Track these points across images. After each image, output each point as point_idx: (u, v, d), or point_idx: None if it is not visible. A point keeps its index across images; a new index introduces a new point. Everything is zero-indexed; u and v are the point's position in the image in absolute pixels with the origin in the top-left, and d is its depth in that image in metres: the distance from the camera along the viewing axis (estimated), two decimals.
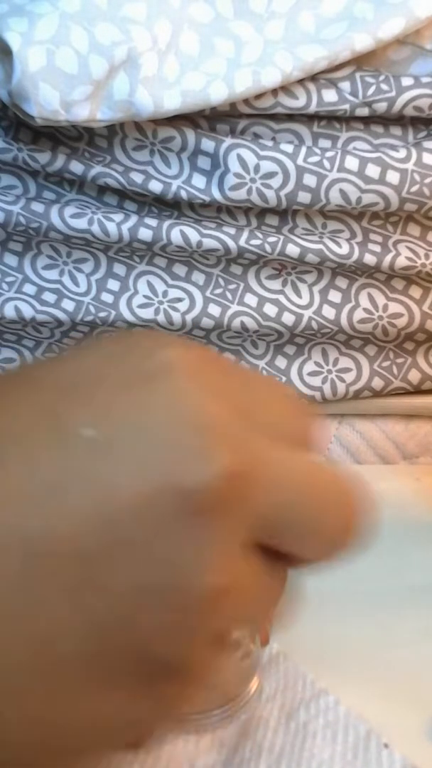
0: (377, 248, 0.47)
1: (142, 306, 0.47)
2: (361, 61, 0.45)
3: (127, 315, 0.47)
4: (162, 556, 0.25)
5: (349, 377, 0.49)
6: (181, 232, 0.45)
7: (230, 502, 0.26)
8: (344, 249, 0.46)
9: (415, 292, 0.49)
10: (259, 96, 0.44)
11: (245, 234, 0.46)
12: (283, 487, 0.27)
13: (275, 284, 0.48)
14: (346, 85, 0.44)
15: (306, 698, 0.33)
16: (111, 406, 0.26)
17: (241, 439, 0.26)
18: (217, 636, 0.27)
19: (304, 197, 0.45)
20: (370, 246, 0.47)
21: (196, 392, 0.26)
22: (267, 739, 0.32)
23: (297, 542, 0.28)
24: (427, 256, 0.47)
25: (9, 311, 0.47)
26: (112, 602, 0.25)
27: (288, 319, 0.47)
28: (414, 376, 0.50)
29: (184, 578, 0.25)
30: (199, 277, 0.47)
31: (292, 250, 0.46)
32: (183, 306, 0.47)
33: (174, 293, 0.47)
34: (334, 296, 0.48)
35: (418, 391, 0.51)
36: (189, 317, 0.47)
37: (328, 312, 0.48)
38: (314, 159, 0.44)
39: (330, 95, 0.44)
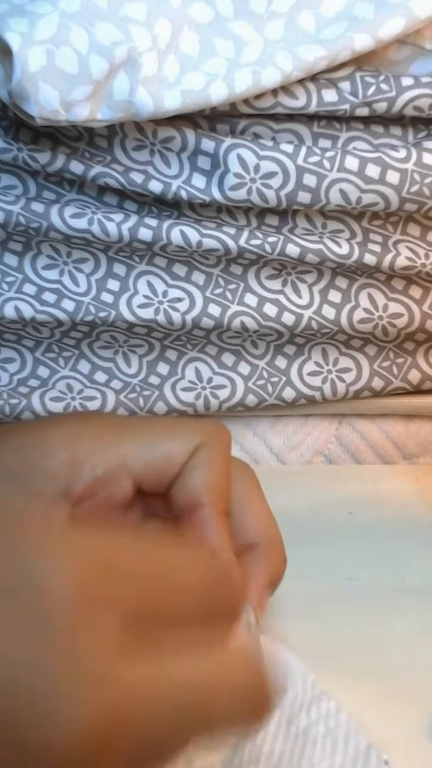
0: (377, 248, 0.47)
1: (142, 306, 0.47)
2: (361, 61, 0.45)
3: (127, 315, 0.47)
4: None
5: (349, 377, 0.49)
6: (181, 232, 0.45)
7: (86, 762, 0.24)
8: (344, 249, 0.46)
9: (415, 292, 0.49)
10: (259, 96, 0.44)
11: (245, 234, 0.46)
12: (161, 723, 0.26)
13: (275, 284, 0.48)
14: (346, 85, 0.44)
15: (306, 701, 0.33)
16: None
17: (106, 691, 0.25)
18: None
19: (304, 197, 0.45)
20: (370, 246, 0.47)
21: (65, 633, 0.25)
22: (267, 743, 0.32)
23: (186, 743, 0.28)
24: (427, 256, 0.47)
25: (9, 311, 0.47)
26: None
27: (288, 319, 0.47)
28: (414, 376, 0.50)
29: None
30: (199, 277, 0.47)
31: (292, 250, 0.46)
32: (183, 306, 0.47)
33: (174, 293, 0.47)
34: (334, 296, 0.48)
35: (418, 391, 0.51)
36: (189, 317, 0.47)
37: (328, 312, 0.48)
38: (314, 159, 0.44)
39: (330, 95, 0.44)
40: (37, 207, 0.46)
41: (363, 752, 0.32)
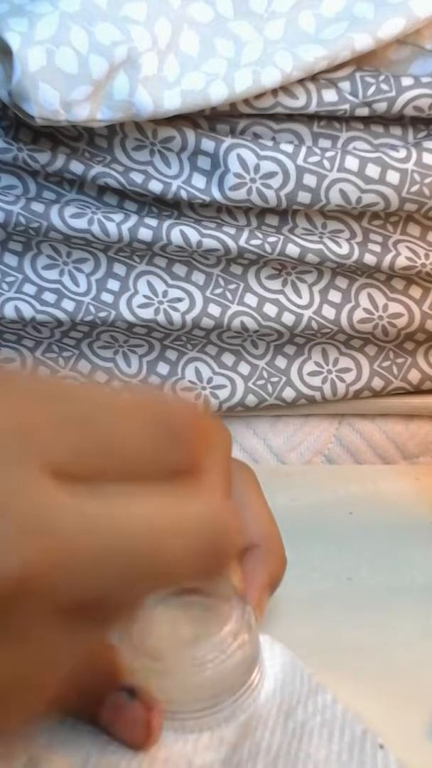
0: (377, 248, 0.47)
1: (142, 306, 0.47)
2: (361, 61, 0.45)
3: (127, 315, 0.47)
4: None
5: (349, 377, 0.49)
6: (181, 232, 0.45)
7: (20, 601, 0.24)
8: (344, 249, 0.46)
9: (415, 292, 0.49)
10: (259, 96, 0.44)
11: (245, 234, 0.46)
12: (99, 567, 0.24)
13: (275, 284, 0.48)
14: (346, 85, 0.44)
15: (304, 695, 0.33)
16: None
17: (40, 523, 0.24)
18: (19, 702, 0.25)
19: (304, 197, 0.45)
20: (370, 246, 0.47)
21: None
22: (265, 739, 0.32)
23: (131, 599, 0.26)
24: (427, 256, 0.47)
25: (9, 311, 0.47)
26: None
27: (288, 319, 0.47)
28: (414, 376, 0.50)
29: None
30: (199, 277, 0.47)
31: (292, 250, 0.46)
32: (183, 306, 0.47)
33: (174, 293, 0.47)
34: (334, 296, 0.48)
35: (418, 391, 0.51)
36: (189, 317, 0.47)
37: (328, 312, 0.48)
38: (314, 159, 0.44)
39: (330, 95, 0.44)
40: (37, 207, 0.46)
41: (359, 738, 0.32)
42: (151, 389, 0.30)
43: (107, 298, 0.47)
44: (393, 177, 0.45)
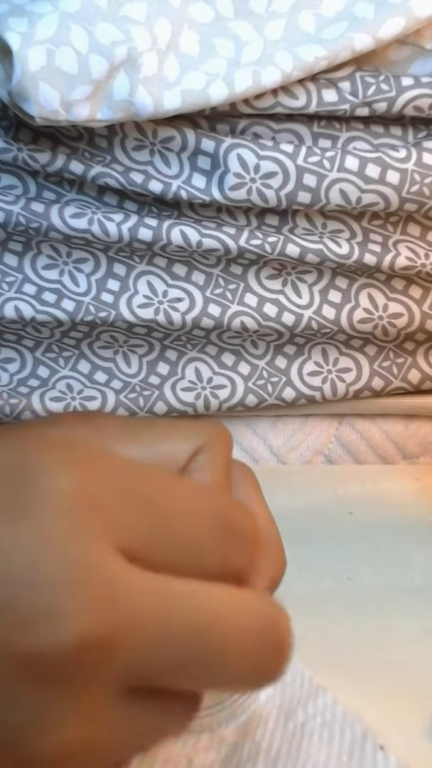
0: (377, 248, 0.47)
1: (142, 306, 0.47)
2: (361, 61, 0.45)
3: (127, 315, 0.47)
4: None
5: (349, 377, 0.49)
6: (181, 232, 0.45)
7: (84, 669, 0.23)
8: (344, 249, 0.46)
9: (415, 292, 0.49)
10: (259, 96, 0.44)
11: (245, 234, 0.46)
12: (163, 643, 0.24)
13: (275, 284, 0.48)
14: (346, 85, 0.44)
15: (304, 697, 0.33)
16: None
17: (109, 593, 0.23)
18: None
19: (304, 197, 0.45)
20: (370, 246, 0.47)
21: (68, 535, 0.24)
22: (265, 740, 0.32)
23: (194, 685, 0.26)
24: (427, 256, 0.47)
25: (9, 311, 0.47)
26: None
27: (288, 319, 0.47)
28: (414, 376, 0.50)
29: (19, 744, 0.23)
30: (199, 277, 0.47)
31: (292, 250, 0.46)
32: (183, 306, 0.47)
33: (174, 293, 0.47)
34: (334, 296, 0.48)
35: (418, 391, 0.51)
36: (189, 317, 0.47)
37: (328, 312, 0.48)
38: (314, 159, 0.44)
39: (330, 95, 0.44)
40: (37, 207, 0.46)
41: (359, 740, 0.32)
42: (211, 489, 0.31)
43: (107, 298, 0.47)
44: (393, 177, 0.45)
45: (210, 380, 0.49)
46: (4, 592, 0.23)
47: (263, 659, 0.26)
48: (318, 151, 0.45)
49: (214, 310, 0.47)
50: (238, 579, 0.27)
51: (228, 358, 0.49)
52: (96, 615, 0.23)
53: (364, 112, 0.45)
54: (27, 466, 0.25)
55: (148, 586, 0.24)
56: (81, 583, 0.23)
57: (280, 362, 0.49)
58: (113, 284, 0.47)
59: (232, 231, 0.46)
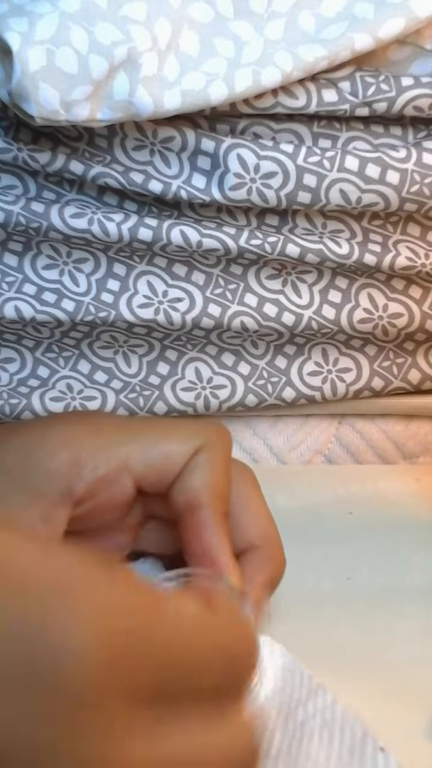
0: (377, 248, 0.47)
1: (142, 306, 0.47)
2: (361, 61, 0.45)
3: (127, 315, 0.47)
4: None
5: (349, 377, 0.49)
6: (181, 232, 0.45)
7: None
8: (344, 249, 0.46)
9: (415, 292, 0.49)
10: (259, 96, 0.44)
11: (245, 234, 0.46)
12: None
13: (275, 284, 0.48)
14: (346, 85, 0.44)
15: (304, 696, 0.33)
16: None
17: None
18: None
19: (304, 197, 0.45)
20: (370, 246, 0.47)
21: (72, 712, 0.23)
22: (265, 740, 0.32)
23: None
24: (427, 256, 0.47)
25: (9, 311, 0.47)
26: None
27: (288, 319, 0.47)
28: (414, 376, 0.50)
29: None
30: (199, 277, 0.47)
31: (292, 250, 0.46)
32: (183, 306, 0.47)
33: (174, 293, 0.47)
34: (334, 296, 0.48)
35: (418, 391, 0.51)
36: (189, 317, 0.47)
37: (328, 312, 0.48)
38: (314, 159, 0.44)
39: (330, 95, 0.44)
40: (37, 207, 0.46)
41: (359, 740, 0.32)
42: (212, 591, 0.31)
43: (107, 298, 0.47)
44: (393, 177, 0.45)
45: (210, 380, 0.49)
46: None
47: None
48: (318, 151, 0.45)
49: (214, 310, 0.47)
50: (232, 698, 0.27)
51: (228, 358, 0.49)
52: None
53: (364, 112, 0.45)
54: (45, 651, 0.24)
55: (144, 753, 0.25)
56: (78, 759, 0.24)
57: (280, 362, 0.49)
58: (113, 284, 0.47)
59: (232, 231, 0.46)
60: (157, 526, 0.39)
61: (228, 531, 0.37)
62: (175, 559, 0.39)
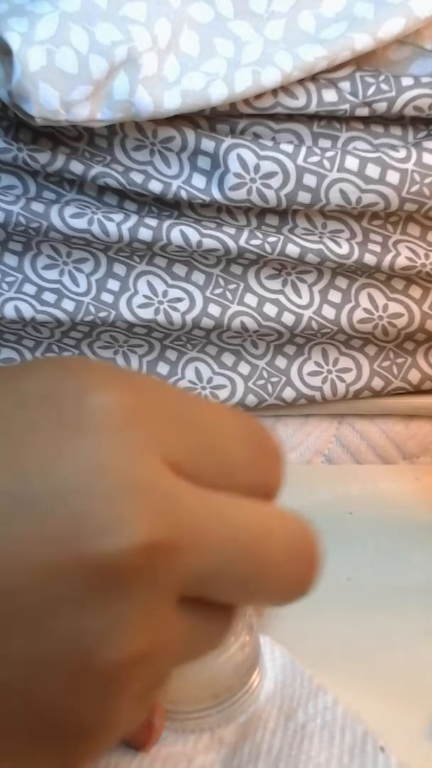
0: (377, 248, 0.47)
1: (142, 306, 0.47)
2: (361, 61, 0.45)
3: (127, 315, 0.47)
4: (64, 628, 0.24)
5: (349, 377, 0.49)
6: (181, 232, 0.45)
7: (148, 573, 0.24)
8: (344, 249, 0.46)
9: (415, 292, 0.49)
10: (259, 96, 0.44)
11: (245, 234, 0.46)
12: (219, 549, 0.25)
13: (275, 284, 0.48)
14: (346, 85, 0.44)
15: (304, 697, 0.33)
16: (21, 458, 0.24)
17: (167, 502, 0.24)
18: (141, 692, 0.26)
19: (304, 197, 0.45)
20: (370, 246, 0.47)
21: (121, 449, 0.24)
22: (265, 741, 0.32)
23: (241, 597, 0.27)
24: (427, 256, 0.47)
25: (9, 311, 0.47)
26: (6, 671, 0.24)
27: (288, 319, 0.47)
28: (414, 376, 0.50)
29: (87, 652, 0.24)
30: (199, 277, 0.47)
31: (292, 250, 0.46)
32: (183, 306, 0.47)
33: (174, 293, 0.47)
34: (334, 296, 0.48)
35: (418, 391, 0.51)
36: (189, 317, 0.47)
37: (328, 312, 0.48)
38: (314, 159, 0.44)
39: (330, 95, 0.44)
40: (37, 207, 0.46)
41: (359, 741, 0.32)
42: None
43: (107, 298, 0.47)
44: (393, 177, 0.45)
45: (210, 380, 0.49)
46: (64, 505, 0.24)
47: (299, 571, 0.27)
48: (318, 151, 0.45)
49: (214, 310, 0.47)
50: (267, 496, 0.28)
51: (228, 358, 0.49)
52: (156, 521, 0.24)
53: (364, 112, 0.45)
54: (70, 387, 0.25)
55: (202, 497, 0.25)
56: (141, 492, 0.24)
57: (280, 362, 0.49)
58: (113, 284, 0.47)
59: (232, 231, 0.46)
60: None
61: None
62: None
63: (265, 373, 0.49)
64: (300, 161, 0.44)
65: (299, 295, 0.48)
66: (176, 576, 0.25)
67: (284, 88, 0.44)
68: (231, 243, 0.46)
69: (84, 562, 0.24)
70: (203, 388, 0.49)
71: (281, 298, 0.47)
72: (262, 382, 0.49)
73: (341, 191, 0.45)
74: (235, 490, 0.26)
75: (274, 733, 0.32)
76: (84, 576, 0.24)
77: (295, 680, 0.34)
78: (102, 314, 0.47)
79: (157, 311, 0.47)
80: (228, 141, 0.44)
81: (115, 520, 0.24)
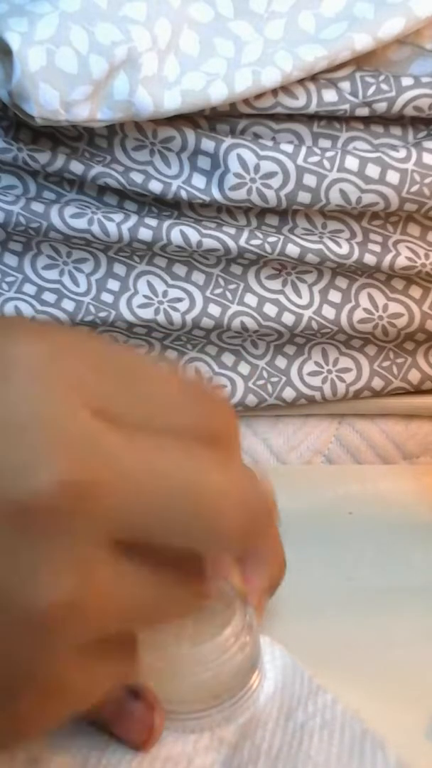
0: (377, 248, 0.47)
1: (142, 306, 0.47)
2: (361, 61, 0.45)
3: (127, 315, 0.47)
4: None
5: (349, 377, 0.49)
6: (181, 232, 0.45)
7: (69, 515, 0.24)
8: (344, 249, 0.46)
9: (415, 292, 0.49)
10: (259, 96, 0.44)
11: (245, 234, 0.46)
12: (147, 492, 0.25)
13: (275, 284, 0.48)
14: (346, 85, 0.44)
15: (304, 697, 0.33)
16: None
17: (86, 442, 0.24)
18: (92, 647, 0.25)
19: (304, 197, 0.45)
20: (370, 246, 0.47)
21: (39, 393, 0.24)
22: (265, 741, 0.32)
23: (183, 544, 0.26)
24: (427, 256, 0.47)
25: (9, 311, 0.47)
26: None
27: (288, 319, 0.47)
28: (414, 376, 0.50)
29: (14, 595, 0.24)
30: (199, 277, 0.47)
31: (292, 250, 0.46)
32: (183, 306, 0.47)
33: (174, 293, 0.47)
34: (334, 296, 0.48)
35: (418, 391, 0.51)
36: (189, 317, 0.47)
37: (328, 312, 0.48)
38: (314, 159, 0.44)
39: (330, 95, 0.44)
40: (37, 207, 0.46)
41: (359, 739, 0.32)
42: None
43: (107, 298, 0.47)
44: (393, 177, 0.45)
45: (210, 380, 0.49)
46: None
47: (244, 521, 0.26)
48: (318, 151, 0.45)
49: (214, 310, 0.47)
50: (217, 442, 0.27)
51: (228, 358, 0.49)
52: (74, 461, 0.24)
53: (364, 112, 0.45)
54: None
55: (126, 439, 0.25)
56: (57, 432, 0.24)
57: (280, 362, 0.49)
58: (113, 284, 0.47)
59: (232, 231, 0.46)
60: None
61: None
62: None
63: (265, 373, 0.49)
64: (300, 161, 0.44)
65: (299, 295, 0.48)
66: (102, 519, 0.24)
67: (284, 88, 0.44)
68: (231, 243, 0.46)
69: (3, 505, 0.23)
70: None
71: (281, 298, 0.47)
72: (262, 382, 0.49)
73: (341, 191, 0.45)
74: (171, 433, 0.26)
75: (274, 733, 0.32)
76: (4, 518, 0.23)
77: (295, 681, 0.34)
78: (102, 314, 0.47)
79: (157, 311, 0.47)
80: (228, 141, 0.44)
81: (31, 460, 0.24)
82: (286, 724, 0.32)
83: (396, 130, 0.46)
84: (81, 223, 0.46)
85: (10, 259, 0.48)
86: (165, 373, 0.27)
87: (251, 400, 0.49)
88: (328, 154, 0.44)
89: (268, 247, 0.46)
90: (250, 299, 0.47)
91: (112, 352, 0.27)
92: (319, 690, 0.33)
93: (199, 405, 0.27)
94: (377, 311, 0.48)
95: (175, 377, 0.27)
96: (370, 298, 0.48)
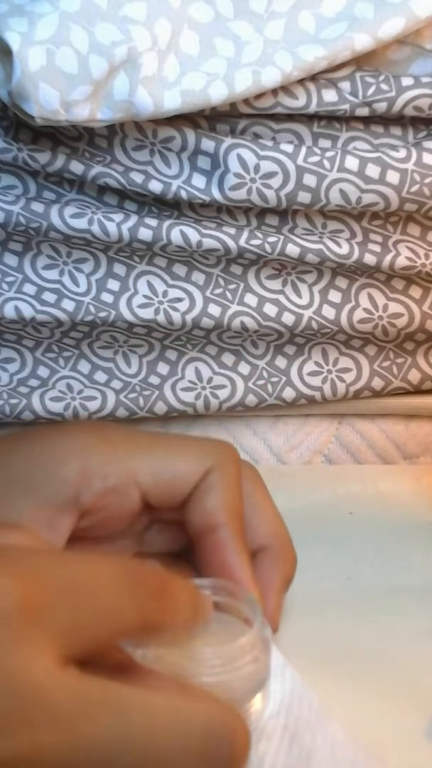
0: (377, 248, 0.47)
1: (142, 306, 0.47)
2: (361, 61, 0.45)
3: (127, 315, 0.47)
4: None
5: (349, 377, 0.49)
6: (181, 232, 0.45)
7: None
8: (344, 249, 0.46)
9: (415, 292, 0.49)
10: (259, 96, 0.44)
11: (245, 234, 0.46)
12: (86, 747, 0.26)
13: (275, 284, 0.48)
14: (346, 85, 0.44)
15: (312, 723, 0.33)
16: None
17: (35, 696, 0.25)
18: None
19: (304, 197, 0.45)
20: (370, 246, 0.47)
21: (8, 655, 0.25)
22: (268, 755, 0.32)
23: None
24: (427, 256, 0.47)
25: (9, 311, 0.47)
26: None
27: (288, 319, 0.47)
28: (414, 376, 0.50)
29: None
30: (199, 277, 0.47)
31: (292, 250, 0.46)
32: (183, 306, 0.47)
33: (174, 293, 0.47)
34: (334, 296, 0.48)
35: (418, 391, 0.51)
36: (189, 317, 0.47)
37: (328, 312, 0.48)
38: (314, 159, 0.44)
39: (330, 95, 0.44)
40: (37, 207, 0.46)
41: None
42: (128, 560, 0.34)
43: (107, 298, 0.47)
44: (393, 177, 0.45)
45: (210, 380, 0.49)
46: None
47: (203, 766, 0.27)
48: (318, 151, 0.45)
49: (214, 310, 0.47)
50: (156, 628, 0.29)
51: (228, 358, 0.49)
52: (27, 730, 0.25)
53: (364, 112, 0.45)
54: None
55: (77, 692, 0.26)
56: (11, 694, 0.25)
57: (280, 362, 0.49)
58: (113, 284, 0.47)
59: (232, 231, 0.46)
60: (160, 527, 0.39)
61: (247, 548, 0.37)
62: (176, 557, 0.39)
63: (265, 373, 0.49)
64: (300, 161, 0.44)
65: (299, 295, 0.48)
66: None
67: (284, 88, 0.44)
68: (231, 243, 0.46)
69: None
70: (203, 388, 0.49)
71: (281, 298, 0.47)
72: (262, 382, 0.49)
73: (341, 191, 0.45)
74: (120, 634, 0.28)
75: (278, 749, 0.32)
76: None
77: (302, 705, 0.34)
78: (102, 314, 0.47)
79: (157, 311, 0.47)
80: (228, 141, 0.44)
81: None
82: (291, 745, 0.32)
83: (396, 130, 0.46)
84: (81, 223, 0.46)
85: (10, 259, 0.48)
86: (107, 578, 0.28)
87: (251, 400, 0.49)
88: (328, 154, 0.44)
89: (268, 247, 0.46)
90: (250, 299, 0.47)
91: (63, 573, 0.28)
92: (329, 722, 0.33)
93: (137, 599, 0.28)
94: (377, 311, 0.48)
95: (116, 577, 0.28)
96: (370, 298, 0.48)
